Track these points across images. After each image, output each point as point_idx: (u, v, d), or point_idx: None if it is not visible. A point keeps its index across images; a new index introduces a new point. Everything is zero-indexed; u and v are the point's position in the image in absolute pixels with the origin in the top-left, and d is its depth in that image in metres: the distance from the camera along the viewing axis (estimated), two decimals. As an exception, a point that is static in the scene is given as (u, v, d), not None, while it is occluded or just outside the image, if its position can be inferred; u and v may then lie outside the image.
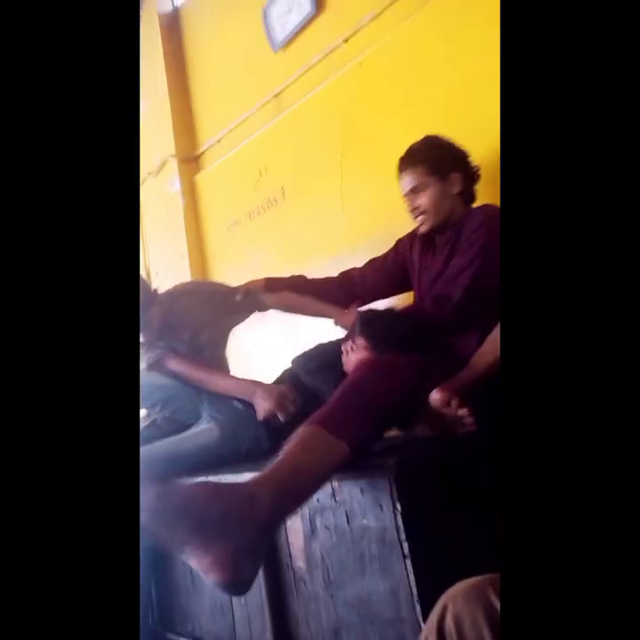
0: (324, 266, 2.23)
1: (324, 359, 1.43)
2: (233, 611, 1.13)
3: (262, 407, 1.37)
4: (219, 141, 2.84)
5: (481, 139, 1.61)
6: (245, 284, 1.75)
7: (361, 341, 1.31)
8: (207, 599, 1.20)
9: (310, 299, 1.66)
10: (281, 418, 1.36)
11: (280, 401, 1.36)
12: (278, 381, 1.54)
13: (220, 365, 1.72)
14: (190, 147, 3.03)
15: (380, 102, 2.10)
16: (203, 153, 2.97)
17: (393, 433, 1.45)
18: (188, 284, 1.79)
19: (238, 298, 1.68)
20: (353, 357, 1.33)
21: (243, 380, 1.49)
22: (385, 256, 1.72)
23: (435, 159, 1.50)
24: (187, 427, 1.48)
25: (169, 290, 1.72)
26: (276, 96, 2.54)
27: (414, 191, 1.50)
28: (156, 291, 1.65)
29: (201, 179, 2.96)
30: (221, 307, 1.70)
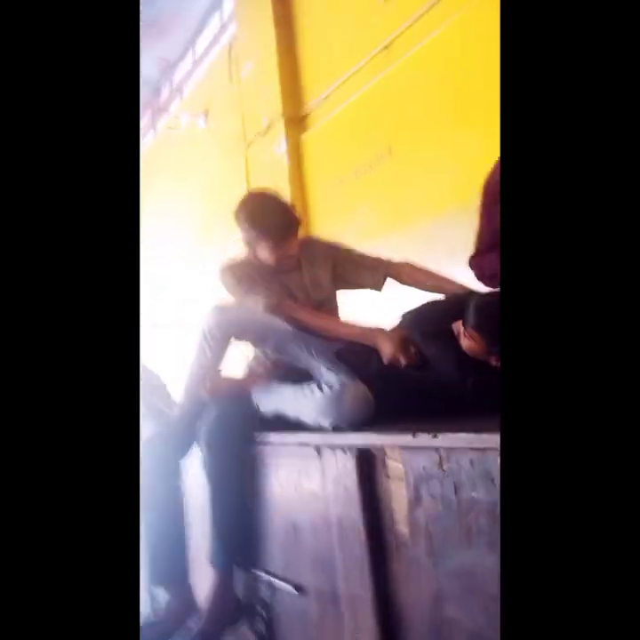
0: (431, 223, 2.14)
1: (439, 324, 1.36)
2: (334, 566, 1.16)
3: (386, 350, 1.37)
4: (326, 99, 2.79)
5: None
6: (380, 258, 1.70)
7: (474, 333, 1.21)
8: (309, 551, 1.24)
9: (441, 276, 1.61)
10: (403, 361, 1.34)
11: (403, 345, 1.35)
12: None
13: None
14: (297, 106, 3.01)
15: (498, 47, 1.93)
16: (310, 112, 2.94)
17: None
18: (308, 236, 1.77)
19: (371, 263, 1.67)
20: (465, 343, 1.26)
21: (364, 326, 1.48)
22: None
23: None
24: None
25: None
26: (385, 48, 2.42)
27: None
28: (299, 218, 1.60)
29: (307, 138, 2.94)
30: (342, 267, 1.69)
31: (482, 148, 1.98)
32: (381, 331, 1.41)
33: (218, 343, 1.53)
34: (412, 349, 1.35)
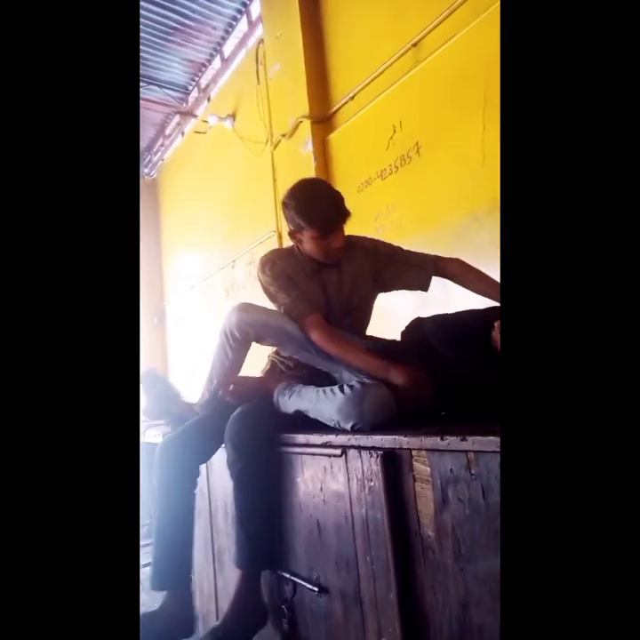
0: (460, 225, 2.11)
1: (462, 329, 1.33)
2: (358, 567, 1.15)
3: (398, 382, 1.30)
4: (353, 98, 2.78)
5: None
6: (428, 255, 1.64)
7: None
8: (333, 552, 1.23)
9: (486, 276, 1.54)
10: (412, 392, 1.28)
11: (417, 380, 1.28)
12: (403, 345, 1.48)
13: (362, 328, 1.70)
14: (324, 106, 3.01)
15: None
16: (336, 111, 2.93)
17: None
18: (350, 236, 1.62)
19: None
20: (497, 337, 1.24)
21: (376, 357, 1.40)
22: None
23: None
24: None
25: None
26: (414, 45, 2.40)
27: None
28: (348, 211, 1.52)
29: (334, 139, 2.94)
30: (386, 269, 1.64)
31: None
32: (394, 366, 1.33)
33: (239, 344, 1.52)
34: (426, 384, 1.29)
